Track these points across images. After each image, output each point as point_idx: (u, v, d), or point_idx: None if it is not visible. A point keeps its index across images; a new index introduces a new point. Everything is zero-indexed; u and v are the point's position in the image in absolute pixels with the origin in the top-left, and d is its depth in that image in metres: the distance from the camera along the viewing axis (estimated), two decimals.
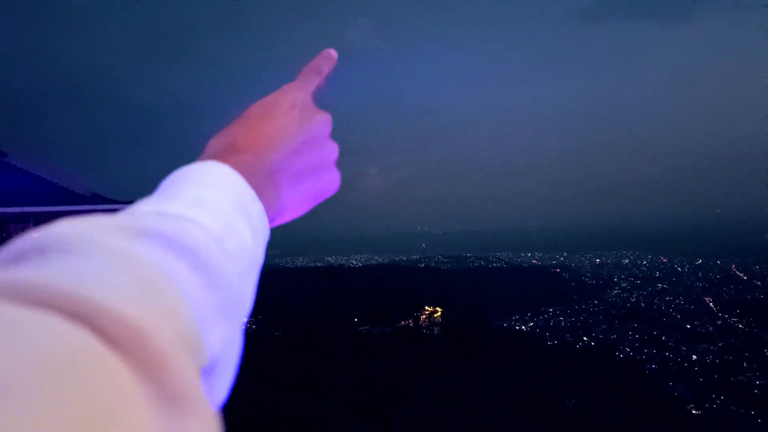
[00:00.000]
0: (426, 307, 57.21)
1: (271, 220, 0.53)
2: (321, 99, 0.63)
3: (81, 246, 0.34)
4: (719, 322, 65.03)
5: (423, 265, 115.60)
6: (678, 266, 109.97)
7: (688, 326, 63.42)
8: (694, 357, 52.71)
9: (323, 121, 0.61)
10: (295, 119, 0.58)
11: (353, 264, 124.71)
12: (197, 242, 0.40)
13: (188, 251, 0.38)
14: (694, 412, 42.10)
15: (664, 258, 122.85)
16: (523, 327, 66.57)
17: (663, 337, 58.73)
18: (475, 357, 44.34)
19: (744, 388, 45.39)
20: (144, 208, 0.43)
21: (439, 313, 57.13)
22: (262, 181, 0.52)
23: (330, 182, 0.61)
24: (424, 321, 55.88)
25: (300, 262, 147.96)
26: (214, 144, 0.54)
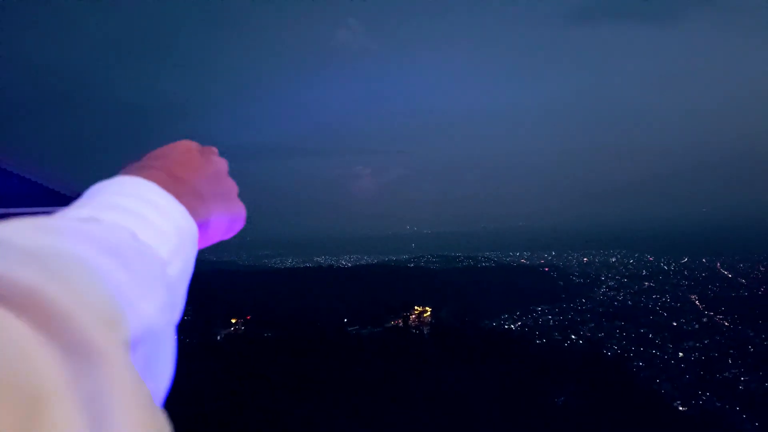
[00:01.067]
0: (416, 307, 57.24)
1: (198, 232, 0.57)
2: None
3: None
4: (705, 319, 65.75)
5: (413, 265, 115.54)
6: (664, 264, 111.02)
7: (675, 324, 64.07)
8: (681, 354, 53.25)
9: (221, 160, 0.66)
10: (197, 153, 0.63)
11: (343, 264, 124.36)
12: (107, 231, 0.43)
13: (98, 240, 0.41)
14: (680, 409, 42.55)
15: (651, 257, 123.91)
16: (512, 326, 66.85)
17: (650, 335, 59.28)
18: (465, 356, 44.48)
19: (729, 385, 45.96)
20: (63, 214, 0.46)
21: (429, 313, 57.19)
22: (180, 193, 0.55)
23: (239, 213, 0.65)
24: (413, 321, 55.90)
25: (289, 262, 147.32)
26: (130, 166, 0.57)
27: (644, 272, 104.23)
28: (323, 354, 42.72)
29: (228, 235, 0.65)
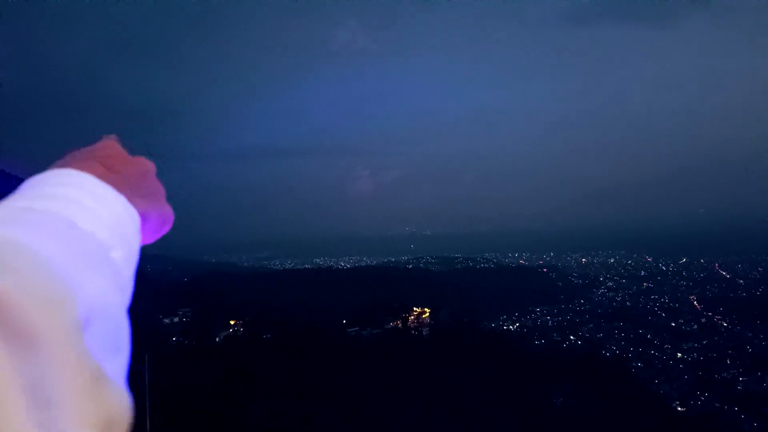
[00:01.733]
0: (414, 309, 57.27)
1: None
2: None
3: None
4: (703, 320, 65.91)
5: (411, 266, 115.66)
6: (663, 265, 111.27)
7: (673, 324, 64.21)
8: (679, 355, 53.37)
9: (149, 162, 0.66)
10: (125, 152, 0.63)
11: (342, 266, 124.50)
12: (45, 218, 0.44)
13: (36, 225, 0.42)
14: (679, 409, 42.63)
15: (649, 257, 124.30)
16: (511, 327, 66.97)
17: (648, 336, 59.40)
18: (464, 357, 44.53)
19: (728, 386, 46.05)
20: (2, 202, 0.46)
21: (428, 314, 57.22)
22: (116, 184, 0.56)
23: (167, 214, 0.65)
24: (412, 322, 55.93)
25: (288, 264, 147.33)
26: (62, 159, 0.57)
27: (643, 273, 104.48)
28: (323, 355, 42.75)
29: (156, 236, 0.65)
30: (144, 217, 0.60)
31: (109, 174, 0.57)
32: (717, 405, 42.97)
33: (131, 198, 0.57)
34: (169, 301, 44.92)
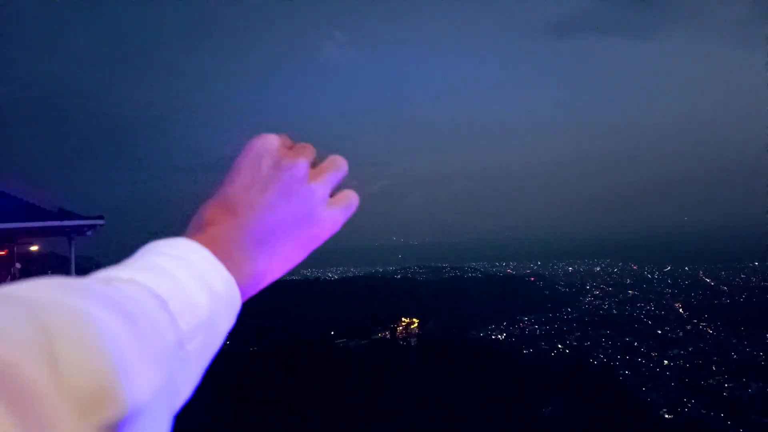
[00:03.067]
0: (403, 319, 57.10)
1: (252, 285, 0.55)
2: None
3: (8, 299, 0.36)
4: (689, 327, 66.53)
5: (399, 276, 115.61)
6: (648, 273, 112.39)
7: (659, 332, 64.72)
8: (666, 362, 53.74)
9: (291, 169, 0.58)
10: (257, 179, 0.57)
11: (330, 276, 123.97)
12: (129, 296, 0.40)
13: (118, 305, 0.38)
14: (667, 416, 42.83)
15: (635, 265, 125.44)
16: (500, 336, 67.01)
17: (635, 343, 59.76)
18: (452, 367, 44.38)
19: (714, 392, 46.40)
20: (100, 274, 0.44)
21: (416, 325, 57.08)
22: (230, 251, 0.52)
23: (319, 227, 0.60)
24: (401, 333, 55.73)
25: None
26: (191, 221, 0.55)
27: (628, 280, 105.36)
28: (310, 367, 42.36)
29: (303, 255, 0.60)
30: (279, 252, 0.57)
31: (230, 241, 0.53)
32: (704, 411, 43.25)
33: (252, 261, 0.54)
34: None
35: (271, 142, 0.59)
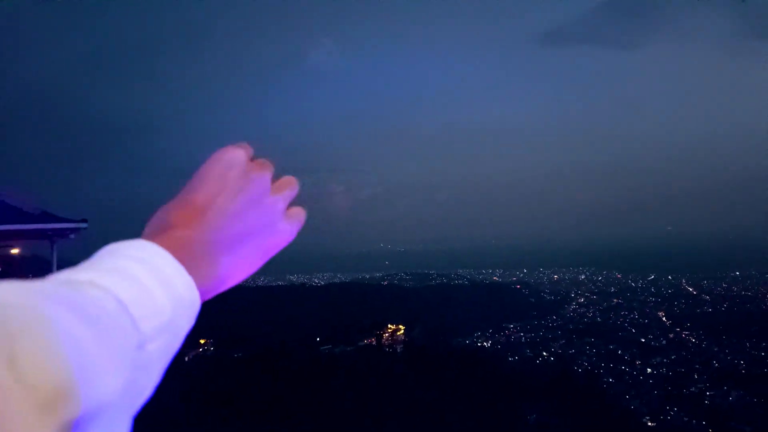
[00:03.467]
0: (389, 325, 56.99)
1: (212, 288, 0.56)
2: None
3: None
4: (671, 335, 67.24)
5: (386, 282, 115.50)
6: (632, 281, 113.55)
7: (643, 340, 65.30)
8: (649, 370, 54.20)
9: (259, 180, 0.61)
10: (226, 188, 0.59)
11: (316, 282, 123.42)
12: (90, 299, 0.41)
13: (78, 307, 0.40)
14: (650, 424, 43.17)
15: (619, 274, 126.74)
16: (485, 343, 67.14)
17: (619, 351, 60.24)
18: (438, 375, 44.35)
19: (696, 400, 46.88)
20: (61, 275, 0.44)
21: (402, 331, 57.00)
22: (194, 255, 0.53)
23: (277, 237, 0.62)
24: (386, 339, 55.61)
25: (261, 281, 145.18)
26: (151, 223, 0.56)
27: (612, 289, 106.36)
28: (295, 374, 42.05)
29: (261, 263, 0.63)
30: (240, 258, 0.59)
31: (192, 245, 0.54)
32: (686, 419, 43.67)
33: (213, 264, 0.55)
34: None
35: (239, 154, 0.61)
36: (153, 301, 0.46)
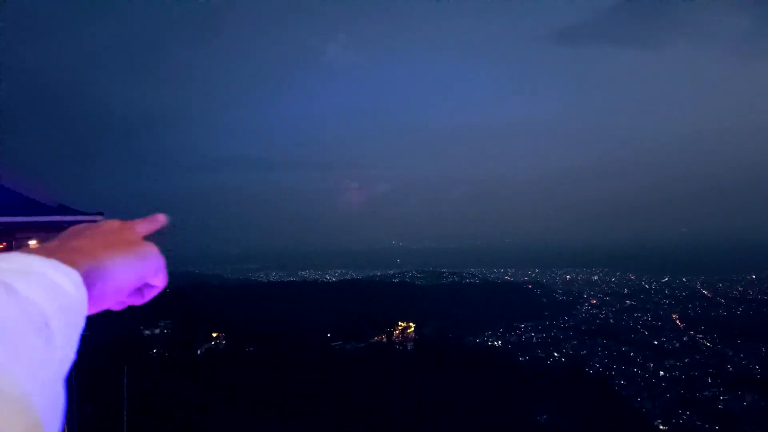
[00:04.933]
0: (399, 323, 57.04)
1: (97, 298, 0.57)
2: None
3: None
4: (685, 338, 66.48)
5: (398, 280, 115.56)
6: (645, 283, 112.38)
7: (656, 342, 64.67)
8: (662, 373, 53.67)
9: (127, 224, 0.64)
10: (101, 233, 0.62)
11: (328, 279, 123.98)
12: None
13: None
14: (661, 427, 42.75)
15: (632, 275, 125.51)
16: (496, 343, 66.93)
17: (631, 353, 59.74)
18: (448, 373, 44.32)
19: (709, 404, 46.33)
20: None
21: (413, 329, 57.01)
22: (73, 260, 0.56)
23: (147, 259, 0.63)
24: (397, 337, 55.67)
25: (274, 276, 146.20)
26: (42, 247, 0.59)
27: (626, 290, 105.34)
28: (306, 369, 42.29)
29: (140, 301, 0.63)
30: (112, 283, 0.59)
31: (73, 251, 0.57)
32: (698, 423, 43.16)
33: (94, 268, 0.58)
34: (150, 312, 44.22)
35: (128, 224, 0.64)
36: (41, 286, 0.49)
